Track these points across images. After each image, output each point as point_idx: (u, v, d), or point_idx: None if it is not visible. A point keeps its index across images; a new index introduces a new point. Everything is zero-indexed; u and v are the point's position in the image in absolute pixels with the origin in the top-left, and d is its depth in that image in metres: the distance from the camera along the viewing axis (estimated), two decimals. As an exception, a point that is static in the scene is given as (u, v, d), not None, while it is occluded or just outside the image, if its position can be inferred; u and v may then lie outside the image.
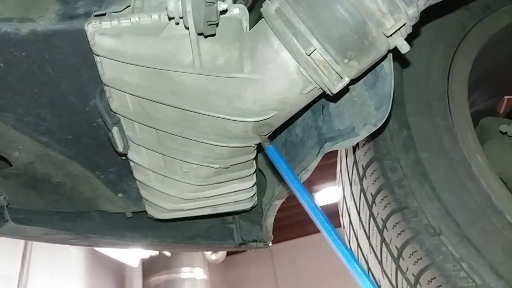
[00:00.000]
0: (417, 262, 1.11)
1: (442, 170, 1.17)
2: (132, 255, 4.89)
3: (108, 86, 0.88)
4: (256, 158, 1.01)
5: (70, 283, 4.96)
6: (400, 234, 1.15)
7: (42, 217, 1.15)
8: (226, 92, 0.81)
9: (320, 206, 0.92)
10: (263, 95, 0.80)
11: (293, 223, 7.88)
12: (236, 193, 1.10)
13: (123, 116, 0.94)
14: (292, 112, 0.86)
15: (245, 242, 1.34)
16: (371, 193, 1.24)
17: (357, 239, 1.40)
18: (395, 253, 1.17)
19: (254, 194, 1.15)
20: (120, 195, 1.23)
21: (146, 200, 1.15)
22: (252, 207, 1.23)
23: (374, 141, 1.25)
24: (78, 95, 0.99)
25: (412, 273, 1.13)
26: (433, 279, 1.08)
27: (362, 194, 1.29)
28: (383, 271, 1.25)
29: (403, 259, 1.15)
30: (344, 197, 1.47)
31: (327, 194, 6.91)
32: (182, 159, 0.95)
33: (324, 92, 0.83)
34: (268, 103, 0.81)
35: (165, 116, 0.89)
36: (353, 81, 0.82)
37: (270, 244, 1.35)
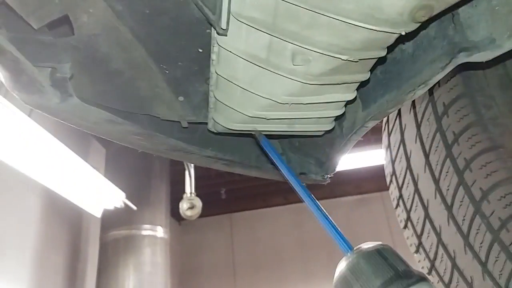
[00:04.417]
0: (509, 205, 1.03)
1: None
2: (96, 205, 4.61)
3: None
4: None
5: (22, 229, 4.62)
6: (490, 174, 1.06)
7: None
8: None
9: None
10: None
11: (256, 194, 7.85)
12: (329, 106, 0.96)
13: (236, -18, 0.76)
14: (459, -3, 0.73)
15: (305, 173, 1.21)
16: (453, 132, 1.15)
17: (415, 184, 1.30)
18: (478, 196, 1.09)
19: (339, 115, 1.02)
20: (181, 98, 1.05)
21: (220, 102, 0.98)
22: (326, 133, 1.10)
23: (462, 77, 1.15)
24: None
25: (499, 217, 1.05)
26: (527, 223, 1.01)
27: (438, 134, 1.19)
28: (451, 216, 1.17)
29: (489, 202, 1.07)
30: (401, 141, 1.37)
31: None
32: (301, 45, 0.79)
33: None
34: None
35: (299, -17, 0.72)
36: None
37: (328, 180, 1.22)
